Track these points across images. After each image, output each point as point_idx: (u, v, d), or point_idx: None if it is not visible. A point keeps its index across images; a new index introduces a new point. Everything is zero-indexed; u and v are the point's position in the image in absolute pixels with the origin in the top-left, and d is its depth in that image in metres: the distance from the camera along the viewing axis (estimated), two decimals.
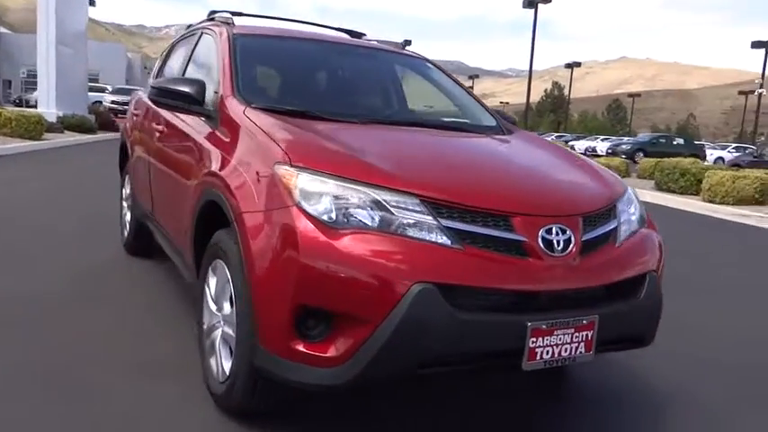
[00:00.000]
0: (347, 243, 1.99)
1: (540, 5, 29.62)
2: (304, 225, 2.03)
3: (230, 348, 2.41)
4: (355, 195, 2.07)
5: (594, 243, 2.29)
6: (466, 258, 2.04)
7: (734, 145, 36.02)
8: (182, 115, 3.26)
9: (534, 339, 2.08)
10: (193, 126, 3.08)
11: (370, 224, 2.03)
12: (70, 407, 2.46)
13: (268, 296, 2.08)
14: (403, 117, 3.26)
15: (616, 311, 2.28)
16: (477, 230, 2.09)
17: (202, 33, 3.79)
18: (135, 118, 4.51)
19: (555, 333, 2.12)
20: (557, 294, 2.16)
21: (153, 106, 3.97)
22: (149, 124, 3.91)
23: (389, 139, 2.67)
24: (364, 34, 4.46)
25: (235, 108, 2.78)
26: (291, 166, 2.16)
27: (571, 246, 2.19)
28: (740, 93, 62.95)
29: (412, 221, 2.04)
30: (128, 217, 4.75)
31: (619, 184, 2.69)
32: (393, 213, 2.05)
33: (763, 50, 34.13)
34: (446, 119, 3.35)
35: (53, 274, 4.17)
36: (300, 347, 2.03)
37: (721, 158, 33.10)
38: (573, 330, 2.15)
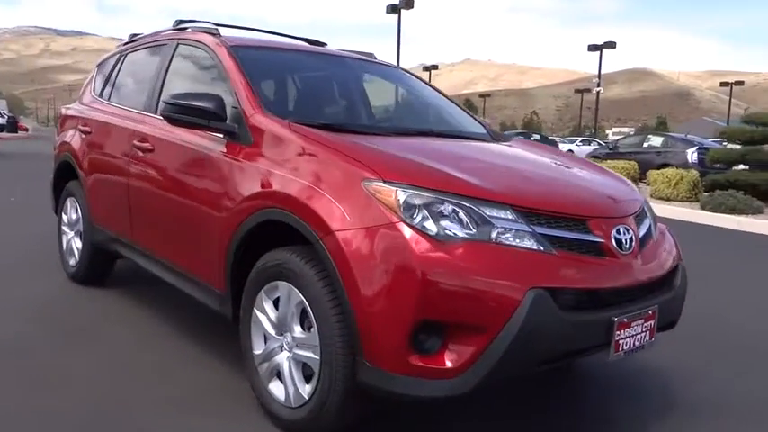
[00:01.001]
0: (460, 255, 2.04)
1: (402, 11, 30.50)
2: (416, 240, 2.04)
3: (303, 370, 2.37)
4: (455, 208, 2.12)
5: (644, 240, 2.51)
6: (560, 262, 2.16)
7: (580, 139, 39.30)
8: (183, 133, 3.08)
9: (619, 332, 2.26)
10: (207, 145, 2.91)
11: (474, 236, 2.09)
12: None
13: (382, 313, 2.06)
14: (423, 127, 3.30)
15: (665, 300, 2.52)
16: (563, 235, 2.22)
17: (178, 44, 3.59)
18: (86, 135, 4.14)
19: (632, 325, 2.30)
20: (630, 289, 2.34)
21: (123, 123, 3.71)
22: (123, 143, 3.61)
23: (442, 151, 2.71)
24: (325, 44, 4.45)
25: (270, 124, 2.68)
26: (385, 182, 2.16)
27: (634, 243, 2.39)
28: (576, 91, 68.55)
29: (510, 230, 2.13)
30: (75, 244, 4.36)
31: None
32: (492, 224, 2.12)
33: (597, 53, 37.67)
34: (460, 129, 3.43)
35: (5, 312, 3.75)
36: (418, 362, 2.04)
37: (570, 151, 36.01)
38: (643, 321, 2.35)
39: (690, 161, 15.60)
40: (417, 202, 2.11)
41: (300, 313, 2.39)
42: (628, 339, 2.31)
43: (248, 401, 2.68)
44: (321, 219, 2.22)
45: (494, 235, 2.11)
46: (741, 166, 12.38)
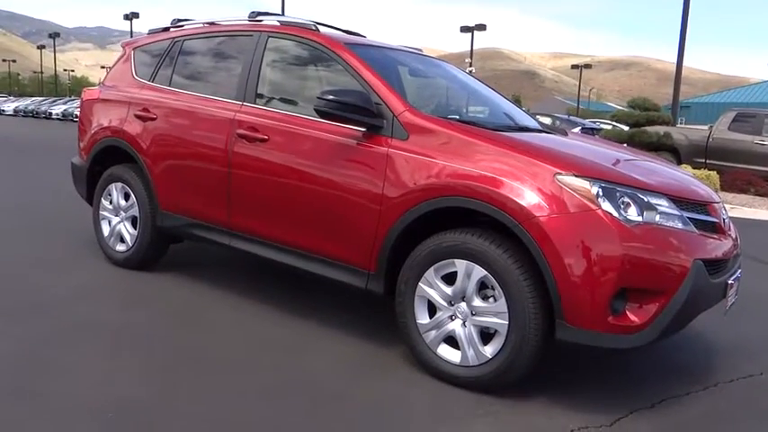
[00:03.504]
0: (642, 235, 2.59)
1: None
2: (614, 223, 2.56)
3: (481, 334, 2.83)
4: (631, 197, 2.65)
5: (726, 220, 3.20)
6: (703, 239, 2.78)
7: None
8: (308, 125, 3.33)
9: (729, 292, 2.93)
10: (346, 138, 3.19)
11: (646, 219, 2.64)
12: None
13: (587, 283, 2.55)
14: (509, 122, 3.77)
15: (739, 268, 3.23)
16: (698, 217, 2.84)
17: (269, 37, 3.75)
18: (149, 121, 4.13)
19: (733, 287, 2.98)
20: (729, 259, 3.01)
21: (211, 111, 3.80)
22: (217, 131, 3.72)
23: (571, 146, 3.22)
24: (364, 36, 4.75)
25: (425, 121, 3.05)
26: (577, 176, 2.64)
27: (728, 223, 3.07)
28: None
29: (668, 215, 2.71)
30: (125, 229, 4.36)
31: None
32: (656, 209, 2.68)
33: (469, 34, 39.68)
34: (532, 124, 3.92)
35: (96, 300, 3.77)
36: (612, 320, 2.57)
37: None
38: (736, 284, 3.04)
39: None
40: (606, 192, 2.62)
41: (480, 286, 2.81)
42: (731, 298, 2.98)
43: (408, 366, 3.07)
44: (521, 207, 2.65)
45: (658, 219, 2.67)
46: None
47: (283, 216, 3.47)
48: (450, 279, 2.91)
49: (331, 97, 3.07)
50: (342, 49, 3.44)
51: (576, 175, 2.65)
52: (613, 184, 2.66)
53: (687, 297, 2.61)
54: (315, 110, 3.13)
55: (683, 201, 2.82)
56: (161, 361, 3.03)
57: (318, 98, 3.09)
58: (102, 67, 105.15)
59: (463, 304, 2.87)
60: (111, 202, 4.48)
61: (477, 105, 3.96)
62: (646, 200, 2.68)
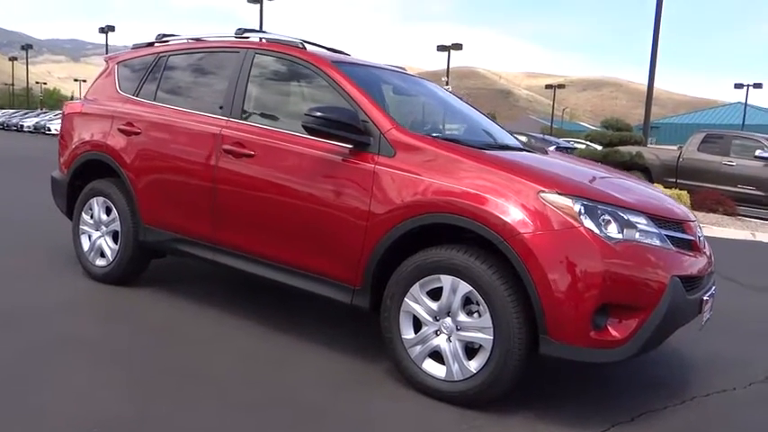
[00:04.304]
0: (623, 252, 2.67)
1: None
2: (596, 241, 2.64)
3: (465, 349, 2.87)
4: (612, 215, 2.73)
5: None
6: (679, 256, 2.87)
7: None
8: (294, 141, 3.38)
9: (704, 308, 3.01)
10: (332, 154, 3.23)
11: (626, 236, 2.72)
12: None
13: (570, 299, 2.61)
14: (488, 140, 3.85)
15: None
16: (675, 235, 2.92)
17: (256, 54, 3.79)
18: (133, 135, 4.12)
19: (708, 303, 3.07)
20: (705, 276, 3.10)
21: (196, 126, 3.82)
22: (202, 146, 3.74)
23: (551, 165, 3.30)
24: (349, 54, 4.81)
25: (412, 139, 3.12)
26: (560, 194, 2.71)
27: (703, 241, 3.16)
28: None
29: (650, 232, 2.79)
30: (106, 244, 4.33)
31: None
32: (636, 227, 2.76)
33: (446, 53, 40.18)
34: (513, 142, 4.01)
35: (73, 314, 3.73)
36: (594, 336, 2.64)
37: None
38: (711, 300, 3.13)
39: None
40: (588, 210, 2.70)
41: (465, 301, 2.86)
42: (707, 313, 3.07)
43: (393, 381, 3.10)
44: (505, 223, 2.72)
45: (637, 236, 2.75)
46: None
47: (268, 231, 3.49)
48: (435, 294, 2.95)
49: (319, 114, 3.11)
50: (328, 66, 3.50)
51: (558, 193, 2.73)
52: (595, 202, 2.74)
53: (665, 313, 2.69)
54: (303, 126, 3.17)
55: (660, 219, 2.90)
56: (143, 376, 3.01)
57: (306, 114, 3.13)
58: (75, 80, 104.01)
59: (448, 319, 2.91)
60: (91, 217, 4.44)
61: (458, 123, 4.03)
62: (626, 218, 2.76)
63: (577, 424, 2.84)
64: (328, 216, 3.22)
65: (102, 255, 4.38)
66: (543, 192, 2.74)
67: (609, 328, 2.67)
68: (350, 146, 3.20)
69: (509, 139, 4.05)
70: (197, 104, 3.98)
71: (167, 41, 4.50)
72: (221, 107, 3.80)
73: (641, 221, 2.80)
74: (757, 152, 13.37)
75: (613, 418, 2.91)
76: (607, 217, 2.72)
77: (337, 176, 3.22)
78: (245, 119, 3.69)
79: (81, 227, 4.50)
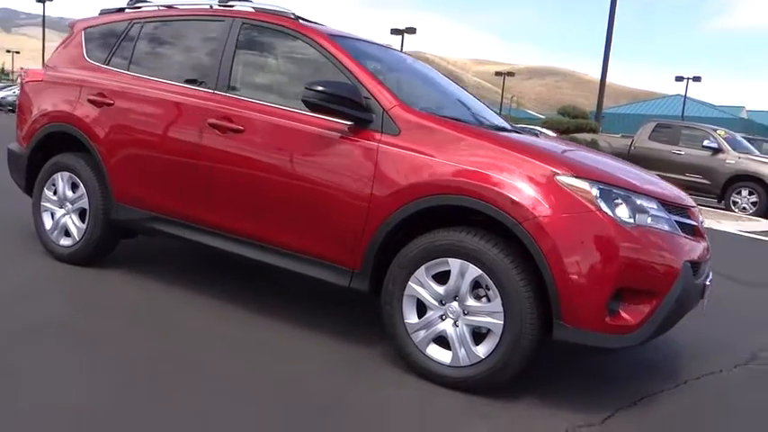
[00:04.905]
0: (638, 236, 2.62)
1: None
2: (613, 225, 2.58)
3: (473, 334, 2.79)
4: (627, 200, 2.68)
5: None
6: (687, 241, 2.85)
7: None
8: (286, 116, 3.21)
9: (706, 293, 3.02)
10: (330, 131, 3.07)
11: (643, 222, 2.67)
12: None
13: (586, 284, 2.55)
14: (495, 123, 3.74)
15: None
16: (681, 220, 2.90)
17: (243, 24, 3.57)
18: (104, 106, 3.82)
19: (708, 288, 3.08)
20: (705, 261, 3.10)
21: (176, 98, 3.58)
22: (185, 120, 3.50)
23: (556, 147, 3.22)
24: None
25: (417, 117, 2.99)
26: (577, 178, 2.64)
27: (703, 227, 3.16)
28: None
29: (661, 218, 2.75)
30: (72, 222, 4.03)
31: None
32: (648, 212, 2.72)
33: (399, 36, 40.03)
34: (503, 123, 3.91)
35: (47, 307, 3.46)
36: (609, 321, 2.59)
37: None
38: (710, 285, 3.14)
39: None
40: (604, 194, 2.63)
41: (473, 286, 2.77)
42: (706, 299, 3.08)
43: (391, 366, 3.00)
44: (521, 207, 2.62)
45: (649, 221, 2.71)
46: None
47: (259, 211, 3.30)
48: (440, 278, 2.85)
49: (320, 88, 2.94)
50: (325, 39, 3.32)
51: (575, 176, 2.66)
52: (610, 186, 2.68)
53: (678, 297, 2.67)
54: (303, 101, 3.00)
55: (669, 204, 2.87)
56: (126, 365, 2.79)
57: (307, 88, 2.96)
58: (8, 52, 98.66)
59: (455, 303, 2.81)
60: (55, 193, 4.14)
61: (451, 103, 3.90)
62: (639, 203, 2.72)
63: (584, 409, 2.80)
64: (326, 196, 3.07)
65: (68, 234, 4.09)
66: (559, 175, 2.66)
67: (622, 312, 2.62)
68: (349, 123, 3.05)
69: (501, 121, 3.98)
70: (176, 75, 3.73)
71: (139, 8, 4.20)
72: (205, 79, 3.57)
73: (653, 206, 2.76)
74: (705, 142, 13.82)
75: (616, 403, 2.89)
76: (622, 201, 2.67)
77: (336, 154, 3.06)
78: (233, 92, 3.48)
79: (43, 204, 4.18)
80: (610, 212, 2.61)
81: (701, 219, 3.15)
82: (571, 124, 14.12)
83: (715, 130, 14.38)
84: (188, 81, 3.64)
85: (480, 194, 2.71)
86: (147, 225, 3.77)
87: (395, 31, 40.24)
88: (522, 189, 2.66)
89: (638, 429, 2.72)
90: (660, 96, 68.02)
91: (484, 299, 2.77)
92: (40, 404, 2.38)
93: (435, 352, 2.87)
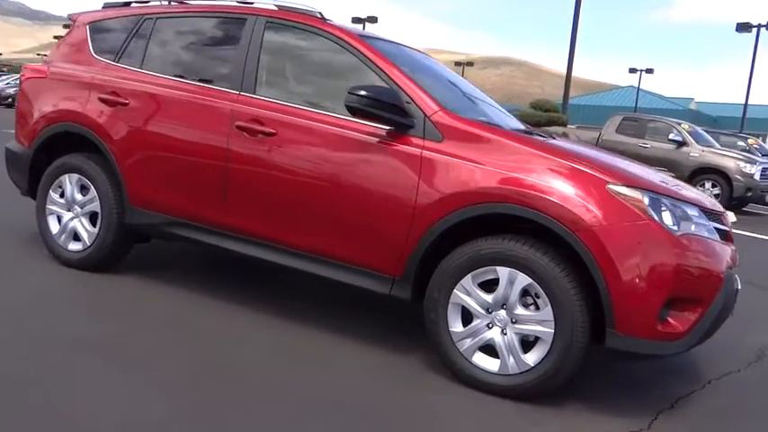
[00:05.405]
0: (687, 245, 2.68)
1: None
2: (666, 234, 2.62)
3: (521, 342, 2.80)
4: (675, 208, 2.73)
5: None
6: (726, 248, 2.92)
7: None
8: (320, 120, 3.16)
9: (737, 298, 3.10)
10: (369, 137, 3.04)
11: (688, 230, 2.73)
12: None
13: (641, 292, 2.59)
14: (523, 128, 3.74)
15: None
16: (719, 227, 2.97)
17: (268, 22, 3.47)
18: (118, 106, 3.67)
19: (738, 293, 3.16)
20: (737, 266, 3.18)
21: (200, 100, 3.47)
22: (210, 122, 3.39)
23: (598, 155, 3.24)
24: None
25: (462, 123, 2.98)
26: (629, 187, 2.67)
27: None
28: None
29: (703, 225, 2.82)
30: (82, 226, 3.88)
31: None
32: (692, 220, 2.78)
33: (361, 25, 39.77)
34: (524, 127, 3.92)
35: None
36: (659, 328, 2.64)
37: None
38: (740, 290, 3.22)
39: None
40: (654, 203, 2.68)
41: (522, 294, 2.78)
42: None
43: (432, 373, 3.01)
44: (575, 215, 2.64)
45: (693, 228, 2.77)
46: None
47: (293, 216, 3.23)
48: (486, 286, 2.85)
49: (363, 93, 2.89)
50: (358, 41, 3.26)
51: (627, 186, 2.69)
52: (659, 195, 2.72)
53: (723, 304, 2.74)
54: (346, 105, 2.94)
55: (707, 211, 2.94)
56: (172, 378, 2.72)
57: (350, 93, 2.91)
58: None
59: (502, 312, 2.82)
60: (62, 196, 3.97)
61: (479, 108, 3.87)
62: (683, 210, 2.77)
63: (626, 413, 2.85)
64: (368, 203, 3.03)
65: (77, 238, 3.94)
66: (610, 184, 2.69)
67: (671, 320, 2.68)
68: (389, 128, 3.01)
69: (519, 123, 3.99)
70: (195, 75, 3.61)
71: (146, 2, 4.05)
72: (227, 79, 3.47)
73: (695, 214, 2.82)
74: (670, 135, 14.22)
75: (655, 406, 2.95)
76: (669, 210, 2.71)
77: (378, 160, 3.02)
78: (260, 94, 3.38)
79: (48, 206, 4.01)
80: (660, 221, 2.65)
81: (729, 223, 3.23)
82: (543, 117, 14.34)
83: (679, 124, 14.81)
84: (208, 81, 3.54)
85: (531, 203, 2.71)
86: (165, 229, 3.66)
87: (356, 20, 39.90)
88: (573, 198, 2.67)
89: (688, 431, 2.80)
90: (613, 88, 69.61)
91: (532, 306, 2.78)
92: (112, 425, 2.29)
93: (482, 360, 2.88)
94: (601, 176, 2.71)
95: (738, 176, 13.15)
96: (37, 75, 4.15)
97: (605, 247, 2.61)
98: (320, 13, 3.48)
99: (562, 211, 2.67)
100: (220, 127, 3.37)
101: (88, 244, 3.88)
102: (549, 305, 2.71)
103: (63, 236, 3.96)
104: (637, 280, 2.60)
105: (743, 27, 27.23)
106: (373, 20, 39.53)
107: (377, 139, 3.03)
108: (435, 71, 3.93)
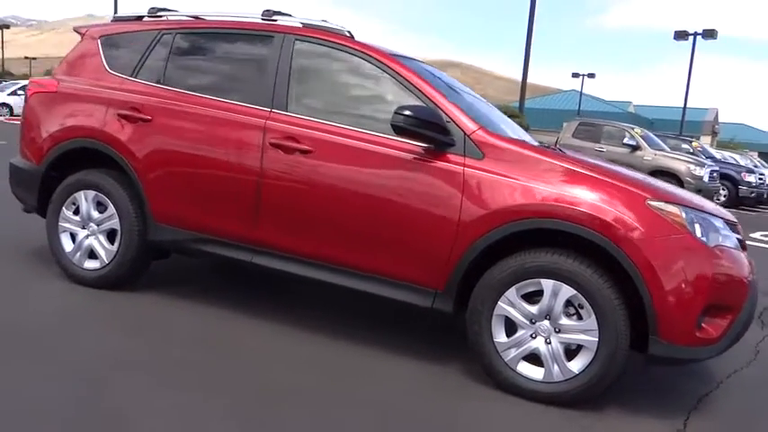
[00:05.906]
0: (721, 255, 2.87)
1: None
2: (702, 247, 2.81)
3: (565, 351, 2.94)
4: (706, 222, 2.92)
5: None
6: (744, 256, 3.13)
7: None
8: (359, 138, 3.22)
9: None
10: (409, 154, 3.12)
11: (717, 241, 2.92)
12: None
13: (682, 301, 2.76)
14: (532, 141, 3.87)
15: None
16: (738, 237, 3.18)
17: (296, 41, 3.51)
18: (140, 122, 3.62)
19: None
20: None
21: (229, 116, 3.47)
22: (241, 139, 3.40)
23: (626, 171, 3.39)
24: None
25: (501, 141, 3.11)
26: (667, 203, 2.84)
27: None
28: None
29: (729, 236, 3.02)
30: (99, 243, 3.81)
31: None
32: (719, 232, 2.98)
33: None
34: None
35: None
36: (697, 335, 2.82)
37: None
38: None
39: None
40: (692, 218, 2.86)
41: (565, 304, 2.92)
42: None
43: (472, 382, 3.12)
44: (619, 230, 2.79)
45: (720, 239, 2.96)
46: None
47: (332, 232, 3.27)
48: (529, 297, 2.97)
49: (408, 113, 2.98)
50: (391, 60, 3.34)
51: (666, 201, 2.86)
52: (692, 210, 2.91)
53: (749, 310, 2.95)
54: (392, 125, 3.02)
55: (728, 222, 3.15)
56: (228, 398, 2.72)
57: (396, 113, 2.99)
58: None
59: (546, 322, 2.95)
60: (76, 213, 3.88)
61: (499, 122, 3.98)
62: (712, 223, 2.97)
63: (661, 414, 3.02)
64: (411, 219, 3.10)
65: (93, 256, 3.86)
66: (650, 200, 2.85)
67: (705, 326, 2.86)
68: (428, 146, 3.10)
69: (531, 138, 4.13)
70: (220, 91, 3.59)
71: (160, 17, 4.00)
72: (257, 97, 3.48)
73: (721, 226, 3.02)
74: (624, 140, 14.80)
75: (682, 406, 3.14)
76: (700, 223, 2.90)
77: (418, 178, 3.10)
78: (292, 111, 3.41)
79: (61, 224, 3.91)
80: (695, 234, 2.83)
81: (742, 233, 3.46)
82: None
83: (633, 129, 15.43)
84: (236, 98, 3.53)
85: (577, 219, 2.85)
86: (190, 245, 3.63)
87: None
88: (618, 214, 2.82)
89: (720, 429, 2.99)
90: (556, 92, 71.50)
91: (575, 316, 2.92)
92: None
93: (526, 369, 3.00)
94: (640, 193, 2.88)
95: (689, 179, 13.77)
96: (45, 89, 4.04)
97: (649, 260, 2.77)
98: (349, 31, 3.54)
99: (604, 224, 2.81)
100: (253, 144, 3.38)
101: (106, 262, 3.81)
102: (594, 315, 2.85)
103: (78, 254, 3.88)
104: (679, 290, 2.77)
105: (680, 35, 28.41)
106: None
107: (418, 157, 3.12)
108: (456, 86, 4.03)
